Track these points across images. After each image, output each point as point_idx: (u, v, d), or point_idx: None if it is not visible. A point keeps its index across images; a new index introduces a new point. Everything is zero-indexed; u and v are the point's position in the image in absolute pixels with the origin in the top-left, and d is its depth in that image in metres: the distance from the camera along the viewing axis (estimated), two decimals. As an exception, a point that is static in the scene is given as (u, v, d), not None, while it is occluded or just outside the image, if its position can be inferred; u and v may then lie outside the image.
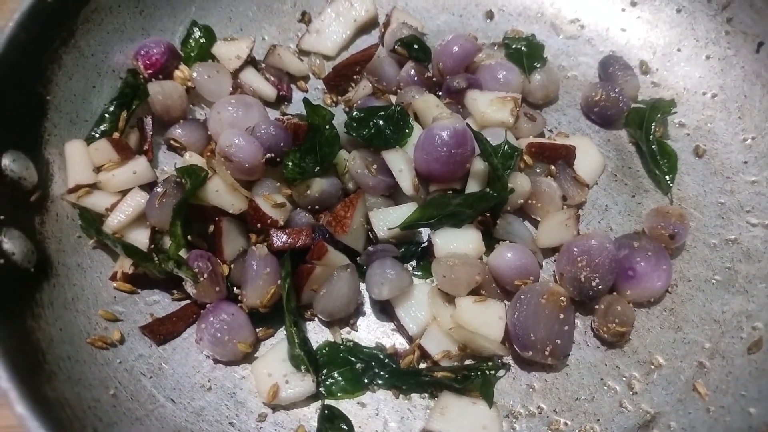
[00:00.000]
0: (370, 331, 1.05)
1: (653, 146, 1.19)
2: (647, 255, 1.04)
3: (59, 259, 1.00)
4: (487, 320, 0.99)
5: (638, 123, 1.22)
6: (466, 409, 0.94)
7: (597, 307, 1.03)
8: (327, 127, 1.08)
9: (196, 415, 0.94)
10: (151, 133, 1.14)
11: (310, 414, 0.96)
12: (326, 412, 0.95)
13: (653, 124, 1.20)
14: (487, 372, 0.97)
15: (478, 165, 1.08)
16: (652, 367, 1.01)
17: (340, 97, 1.28)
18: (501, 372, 1.00)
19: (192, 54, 1.25)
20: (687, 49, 1.32)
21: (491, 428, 0.93)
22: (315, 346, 1.02)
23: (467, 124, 1.07)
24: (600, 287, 1.01)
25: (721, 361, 1.01)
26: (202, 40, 1.26)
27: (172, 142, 1.16)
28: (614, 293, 1.05)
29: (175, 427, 0.92)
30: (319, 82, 1.31)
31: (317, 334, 1.04)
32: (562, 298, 0.98)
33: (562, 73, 1.34)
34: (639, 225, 1.15)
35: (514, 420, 0.97)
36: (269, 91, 1.24)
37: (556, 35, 1.38)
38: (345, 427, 0.94)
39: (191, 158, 1.10)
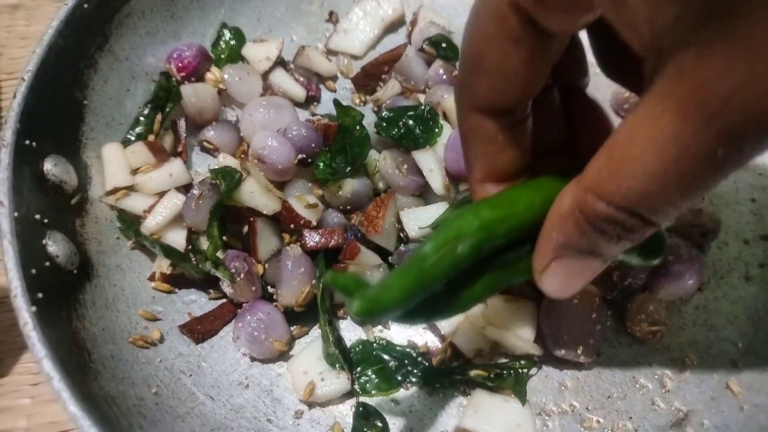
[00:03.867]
0: (402, 330, 1.06)
1: (684, 143, 1.18)
2: (679, 253, 1.04)
3: (99, 260, 1.02)
4: (519, 319, 1.00)
5: (668, 119, 1.21)
6: (500, 407, 0.95)
7: (629, 305, 1.03)
8: (357, 127, 1.08)
9: (235, 412, 0.96)
10: (184, 135, 1.16)
11: (345, 411, 0.98)
12: (361, 409, 0.96)
13: (684, 120, 1.19)
14: (520, 370, 0.98)
15: (509, 164, 1.08)
16: (685, 364, 1.02)
17: (368, 97, 1.29)
18: (533, 370, 1.01)
19: (222, 56, 1.26)
20: (718, 44, 1.30)
21: (525, 426, 0.94)
22: (348, 344, 1.03)
23: (497, 124, 1.07)
24: (632, 286, 1.02)
25: (755, 359, 1.00)
26: (232, 42, 1.27)
27: (205, 143, 1.18)
28: (646, 292, 1.05)
29: (216, 424, 0.94)
30: (347, 82, 1.32)
31: (350, 332, 1.06)
32: (595, 297, 0.98)
33: (591, 69, 1.32)
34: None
35: (547, 418, 0.98)
36: (299, 92, 1.25)
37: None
38: (380, 424, 0.95)
39: (224, 159, 1.12)
